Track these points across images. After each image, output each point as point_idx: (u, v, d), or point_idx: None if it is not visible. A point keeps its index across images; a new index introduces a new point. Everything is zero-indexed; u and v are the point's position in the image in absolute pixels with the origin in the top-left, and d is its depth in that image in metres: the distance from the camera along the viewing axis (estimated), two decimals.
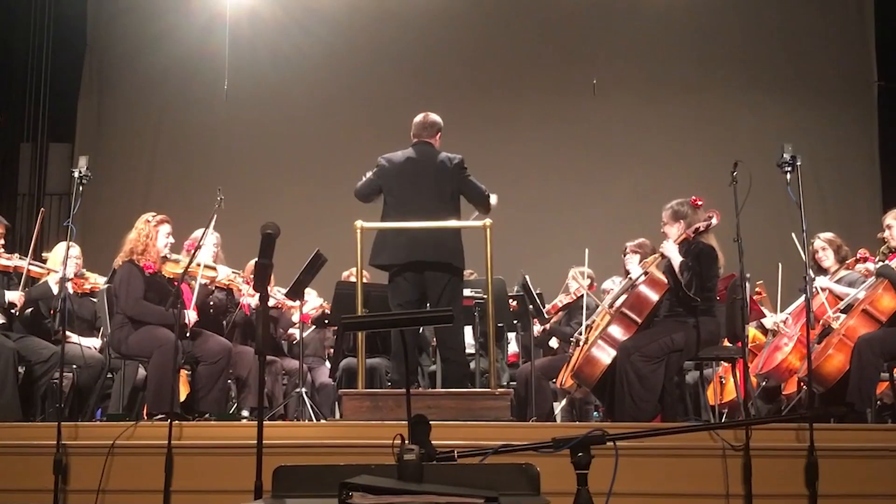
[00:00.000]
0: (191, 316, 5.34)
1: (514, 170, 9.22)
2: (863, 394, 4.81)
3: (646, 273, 5.16)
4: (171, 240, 5.47)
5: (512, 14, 9.60)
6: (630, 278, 5.40)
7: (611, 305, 5.51)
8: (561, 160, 9.31)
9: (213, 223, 5.39)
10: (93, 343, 5.72)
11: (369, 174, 5.38)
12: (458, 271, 5.26)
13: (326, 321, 6.79)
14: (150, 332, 5.15)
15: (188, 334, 5.27)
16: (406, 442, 2.15)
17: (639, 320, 5.02)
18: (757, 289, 6.44)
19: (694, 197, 5.15)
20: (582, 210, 9.03)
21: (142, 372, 5.74)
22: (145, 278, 5.29)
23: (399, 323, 3.58)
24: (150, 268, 5.32)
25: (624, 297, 5.28)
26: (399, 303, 5.21)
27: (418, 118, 5.50)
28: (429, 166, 5.30)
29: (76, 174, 4.76)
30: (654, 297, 5.04)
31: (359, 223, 5.15)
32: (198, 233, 5.68)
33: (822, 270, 5.51)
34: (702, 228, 5.03)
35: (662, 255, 5.11)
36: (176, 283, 5.13)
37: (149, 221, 5.41)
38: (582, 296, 6.53)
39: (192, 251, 5.24)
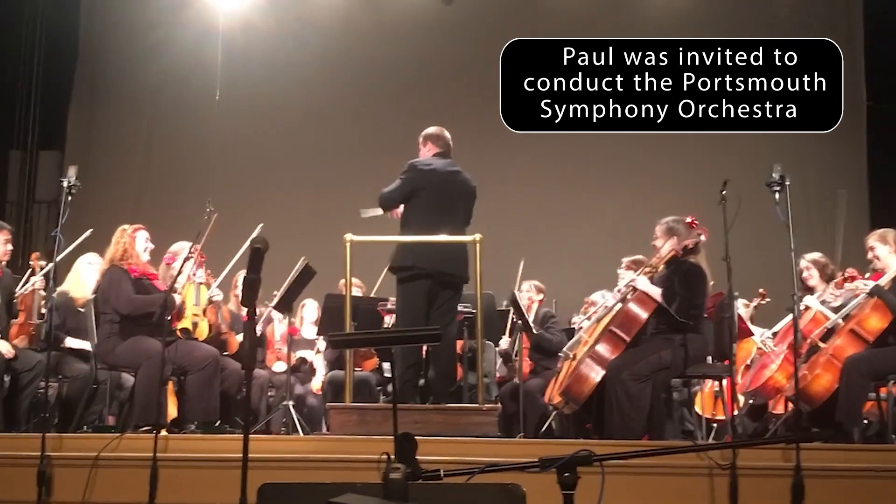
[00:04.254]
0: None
1: (504, 183, 9.22)
2: (851, 413, 4.83)
3: (634, 290, 5.16)
4: (151, 245, 5.48)
5: (506, 27, 9.62)
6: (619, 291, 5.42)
7: (599, 321, 5.51)
8: (552, 175, 9.32)
9: (204, 237, 5.38)
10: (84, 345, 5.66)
11: (398, 181, 5.31)
12: (462, 288, 5.34)
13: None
14: (139, 343, 5.12)
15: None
16: (392, 460, 2.14)
17: (627, 339, 5.02)
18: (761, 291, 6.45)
19: (691, 217, 5.16)
20: (573, 225, 9.04)
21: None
22: (132, 280, 5.28)
23: (386, 341, 3.58)
24: (135, 271, 5.31)
25: (612, 314, 5.28)
26: (410, 311, 5.16)
27: (439, 131, 5.50)
28: (459, 185, 5.39)
29: (65, 184, 4.76)
30: (643, 315, 5.05)
31: (349, 236, 5.16)
32: (175, 246, 5.68)
33: (808, 290, 5.55)
34: (690, 246, 5.05)
35: (635, 289, 5.13)
36: (162, 290, 5.12)
37: (124, 230, 5.45)
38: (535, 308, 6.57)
39: (181, 264, 5.23)
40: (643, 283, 5.09)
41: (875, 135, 9.08)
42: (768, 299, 6.40)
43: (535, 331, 6.37)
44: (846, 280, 5.46)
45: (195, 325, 5.46)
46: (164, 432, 4.61)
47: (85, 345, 5.56)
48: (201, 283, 5.55)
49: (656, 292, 5.01)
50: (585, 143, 9.26)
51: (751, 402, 5.97)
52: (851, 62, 9.33)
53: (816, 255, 5.64)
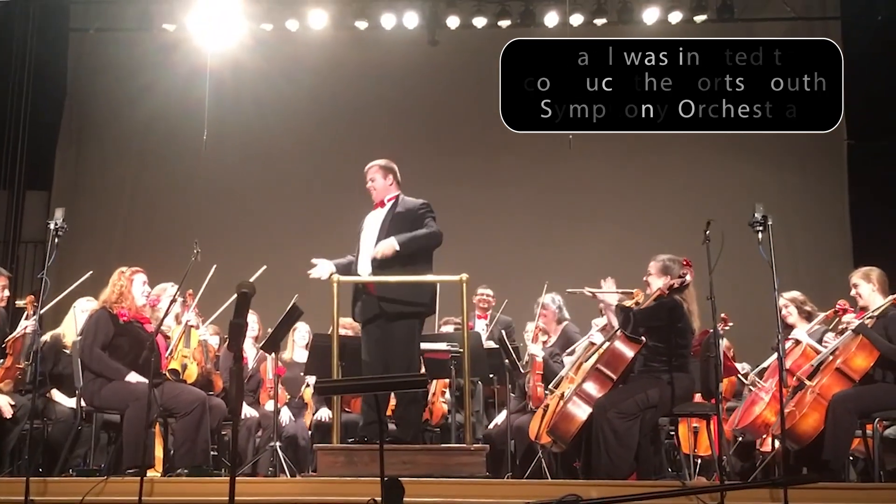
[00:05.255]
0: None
1: (490, 223, 9.29)
2: (838, 451, 4.85)
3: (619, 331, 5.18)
4: (148, 289, 5.45)
5: (490, 70, 9.70)
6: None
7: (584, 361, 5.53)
8: (537, 214, 9.40)
9: (206, 280, 5.40)
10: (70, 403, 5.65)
11: (435, 224, 5.34)
12: None
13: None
14: (125, 385, 5.09)
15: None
16: None
17: (614, 377, 5.03)
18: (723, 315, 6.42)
19: (686, 258, 5.19)
20: (557, 264, 9.07)
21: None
22: (117, 326, 5.24)
23: (374, 388, 3.58)
24: (125, 315, 5.28)
25: (599, 352, 5.29)
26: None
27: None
28: None
29: (52, 226, 4.76)
30: (629, 353, 5.06)
31: (336, 277, 5.18)
32: (158, 288, 5.69)
33: (788, 328, 5.59)
34: (676, 285, 5.08)
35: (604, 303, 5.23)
36: (151, 333, 5.10)
37: (122, 272, 5.40)
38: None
39: (168, 306, 5.22)
40: (607, 297, 5.15)
41: (856, 172, 9.19)
42: (731, 324, 6.40)
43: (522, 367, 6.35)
44: (837, 313, 5.47)
45: (184, 367, 5.44)
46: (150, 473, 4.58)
47: (71, 402, 5.54)
48: (192, 326, 5.53)
49: (613, 298, 5.11)
50: (566, 183, 9.37)
51: (739, 439, 5.98)
52: None
53: (795, 294, 5.69)
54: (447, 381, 6.21)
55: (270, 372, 6.75)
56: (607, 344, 5.25)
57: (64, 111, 9.65)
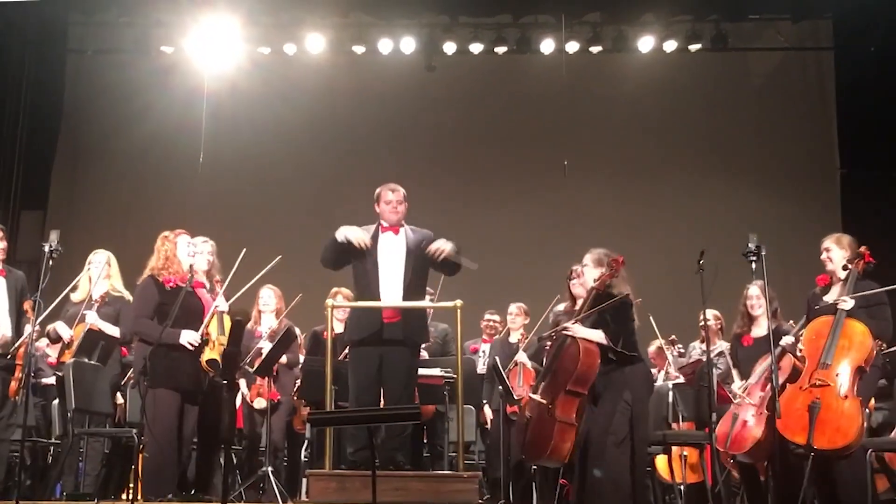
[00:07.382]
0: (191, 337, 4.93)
1: (484, 247, 9.29)
2: (859, 483, 4.79)
3: (577, 344, 4.93)
4: (194, 248, 5.31)
5: (486, 96, 9.83)
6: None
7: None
8: (531, 239, 9.42)
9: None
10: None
11: None
12: None
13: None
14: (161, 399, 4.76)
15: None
16: None
17: (585, 392, 4.90)
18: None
19: (621, 257, 4.99)
20: (550, 288, 9.07)
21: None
22: (163, 293, 5.06)
23: (367, 419, 3.58)
24: (170, 281, 5.13)
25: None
26: None
27: None
28: None
29: (47, 248, 4.76)
30: (596, 363, 4.85)
31: (330, 301, 5.20)
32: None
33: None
34: (608, 276, 4.95)
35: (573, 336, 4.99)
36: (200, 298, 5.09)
37: (166, 237, 5.28)
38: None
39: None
40: (582, 331, 4.93)
41: (849, 202, 9.24)
42: (679, 345, 6.36)
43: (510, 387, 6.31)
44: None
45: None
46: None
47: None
48: (224, 312, 5.18)
49: (598, 335, 4.92)
50: (560, 209, 9.41)
51: (731, 460, 5.93)
52: (825, 130, 9.58)
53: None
54: None
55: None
56: (573, 357, 5.01)
57: (61, 132, 9.67)
